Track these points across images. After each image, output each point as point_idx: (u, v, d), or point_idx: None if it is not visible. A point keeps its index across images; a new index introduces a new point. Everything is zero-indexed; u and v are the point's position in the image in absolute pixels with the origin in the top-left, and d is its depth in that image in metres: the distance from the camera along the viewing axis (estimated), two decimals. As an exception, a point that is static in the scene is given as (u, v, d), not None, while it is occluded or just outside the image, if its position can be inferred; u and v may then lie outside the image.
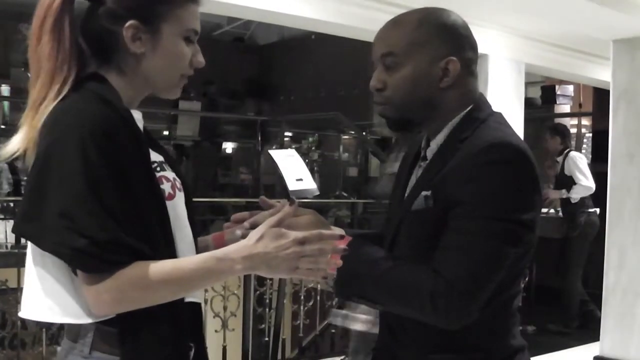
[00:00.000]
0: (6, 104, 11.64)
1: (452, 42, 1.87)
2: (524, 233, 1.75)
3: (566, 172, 7.79)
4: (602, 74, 6.98)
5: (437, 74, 1.85)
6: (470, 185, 1.73)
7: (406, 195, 1.94)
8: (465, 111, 1.89)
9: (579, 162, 7.74)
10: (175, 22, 1.75)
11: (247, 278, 6.34)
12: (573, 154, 7.86)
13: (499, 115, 1.92)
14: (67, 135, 1.57)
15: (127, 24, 1.70)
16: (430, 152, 1.92)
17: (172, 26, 1.74)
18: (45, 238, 1.56)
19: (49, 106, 1.65)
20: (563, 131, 8.08)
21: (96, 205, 1.54)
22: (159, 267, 1.58)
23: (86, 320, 1.63)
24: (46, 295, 1.65)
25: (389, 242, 1.93)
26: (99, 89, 1.68)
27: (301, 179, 4.04)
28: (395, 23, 1.91)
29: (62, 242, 1.53)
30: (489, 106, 1.93)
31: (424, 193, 1.82)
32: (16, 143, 1.69)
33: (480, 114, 1.88)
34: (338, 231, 1.90)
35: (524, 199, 1.76)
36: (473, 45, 1.92)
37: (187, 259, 1.67)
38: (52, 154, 1.57)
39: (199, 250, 1.85)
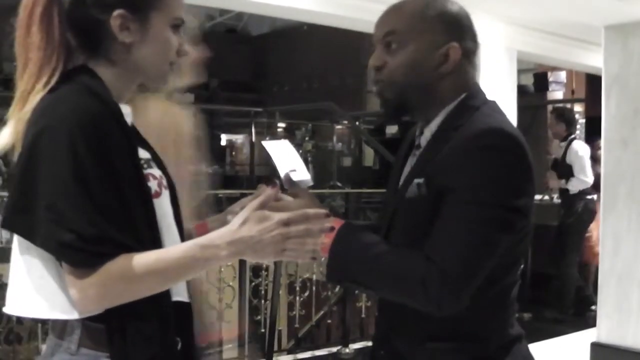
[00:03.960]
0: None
1: (455, 30, 1.88)
2: (516, 219, 1.75)
3: (567, 160, 7.80)
4: (593, 60, 6.96)
5: (438, 59, 1.86)
6: (462, 171, 1.73)
7: (401, 183, 1.94)
8: (459, 99, 1.89)
9: (581, 155, 7.74)
10: (164, 11, 1.74)
11: (242, 269, 6.34)
12: (577, 144, 7.86)
13: (493, 103, 1.92)
14: (55, 126, 1.56)
15: (116, 12, 1.68)
16: (424, 140, 1.92)
17: (161, 15, 1.73)
18: (34, 232, 1.55)
19: (36, 97, 1.64)
20: (569, 118, 8.11)
21: (84, 198, 1.52)
22: (142, 259, 1.57)
23: (74, 315, 1.61)
24: (33, 291, 1.63)
25: (384, 231, 1.93)
26: (88, 81, 1.67)
27: (295, 170, 4.03)
28: (400, 5, 1.92)
29: (50, 235, 1.52)
30: (483, 94, 1.93)
31: (416, 181, 1.82)
32: (6, 137, 1.68)
33: (474, 101, 1.88)
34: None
35: (516, 185, 1.76)
36: (474, 37, 1.93)
37: (171, 249, 1.65)
38: (39, 145, 1.56)
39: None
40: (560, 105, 10.99)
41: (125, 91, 1.79)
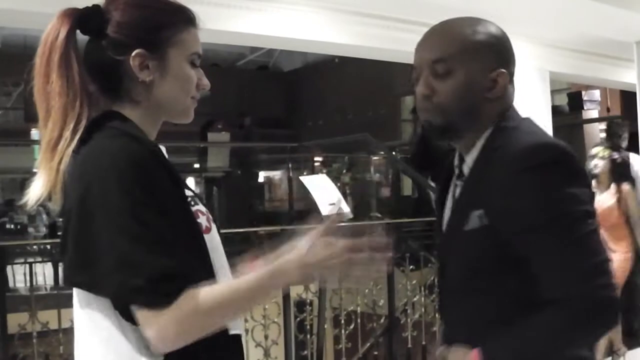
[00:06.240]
0: (36, 147, 11.71)
1: (502, 55, 1.89)
2: (592, 220, 1.72)
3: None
4: (627, 76, 6.93)
5: (487, 84, 1.86)
6: (525, 196, 1.71)
7: (449, 216, 1.94)
8: (495, 122, 1.88)
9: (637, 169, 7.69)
10: (180, 47, 1.76)
11: (286, 305, 6.33)
12: (634, 157, 7.83)
13: (529, 120, 1.91)
14: (103, 177, 1.56)
15: (134, 52, 1.70)
16: (466, 168, 1.91)
17: (178, 51, 1.75)
18: (103, 284, 1.55)
19: (68, 147, 1.64)
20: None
21: (145, 240, 1.53)
22: (216, 292, 1.57)
23: None
24: (99, 344, 1.62)
25: (442, 265, 1.93)
26: (120, 125, 1.68)
27: (334, 203, 4.05)
28: (446, 30, 1.91)
29: (121, 284, 1.52)
30: (518, 114, 1.93)
31: (476, 212, 1.80)
32: (39, 187, 1.67)
33: (510, 122, 1.87)
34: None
35: (577, 193, 1.73)
36: (515, 60, 1.93)
37: (241, 280, 1.64)
38: (91, 200, 1.56)
39: None
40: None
41: (152, 130, 1.80)
